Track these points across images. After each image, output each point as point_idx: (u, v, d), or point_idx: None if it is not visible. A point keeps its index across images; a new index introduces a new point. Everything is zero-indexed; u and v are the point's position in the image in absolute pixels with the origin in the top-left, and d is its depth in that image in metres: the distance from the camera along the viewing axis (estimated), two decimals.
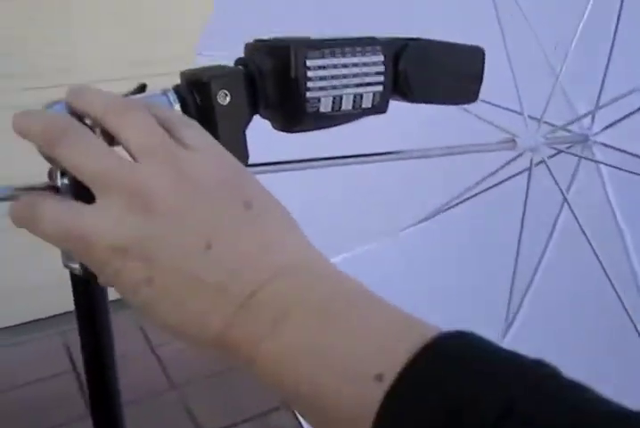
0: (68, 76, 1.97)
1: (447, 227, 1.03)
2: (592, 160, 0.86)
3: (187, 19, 2.10)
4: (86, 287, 0.54)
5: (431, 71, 0.62)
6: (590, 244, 0.90)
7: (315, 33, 0.60)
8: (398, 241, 1.06)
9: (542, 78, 0.87)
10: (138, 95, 0.52)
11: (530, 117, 0.86)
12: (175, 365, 1.96)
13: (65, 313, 2.06)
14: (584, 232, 0.90)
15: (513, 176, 0.92)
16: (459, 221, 1.02)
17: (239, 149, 0.56)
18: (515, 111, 0.86)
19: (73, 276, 0.53)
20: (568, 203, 0.91)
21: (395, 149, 0.78)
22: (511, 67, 0.86)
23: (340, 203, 1.10)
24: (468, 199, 0.98)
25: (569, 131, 0.90)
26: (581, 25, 0.81)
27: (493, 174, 0.92)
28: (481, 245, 1.02)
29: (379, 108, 0.60)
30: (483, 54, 0.66)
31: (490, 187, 0.95)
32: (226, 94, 0.53)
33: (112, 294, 0.47)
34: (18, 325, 2.16)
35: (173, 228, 0.36)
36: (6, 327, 2.14)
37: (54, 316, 2.15)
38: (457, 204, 1.00)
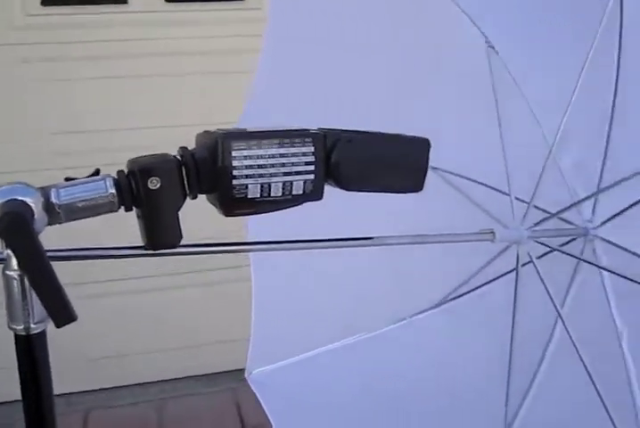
0: None
1: (432, 328, 1.05)
2: (589, 262, 0.87)
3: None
4: (29, 345, 0.64)
5: (367, 162, 0.69)
6: (586, 369, 0.86)
7: None
8: (385, 335, 1.09)
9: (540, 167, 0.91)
10: (81, 179, 0.64)
11: (520, 199, 0.89)
12: None
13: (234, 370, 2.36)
14: (580, 355, 0.86)
15: (500, 276, 0.94)
16: (442, 324, 1.04)
17: (171, 229, 0.66)
18: (503, 192, 0.89)
19: (17, 336, 0.64)
20: (561, 318, 0.90)
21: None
22: (503, 150, 0.91)
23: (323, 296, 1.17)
24: (454, 299, 1.00)
25: (570, 223, 0.92)
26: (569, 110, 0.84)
27: (479, 272, 0.95)
28: (466, 353, 1.03)
29: (312, 195, 0.68)
30: (428, 146, 0.72)
31: (476, 288, 0.97)
32: (157, 181, 0.63)
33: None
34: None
35: None
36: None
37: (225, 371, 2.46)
38: (440, 304, 1.02)
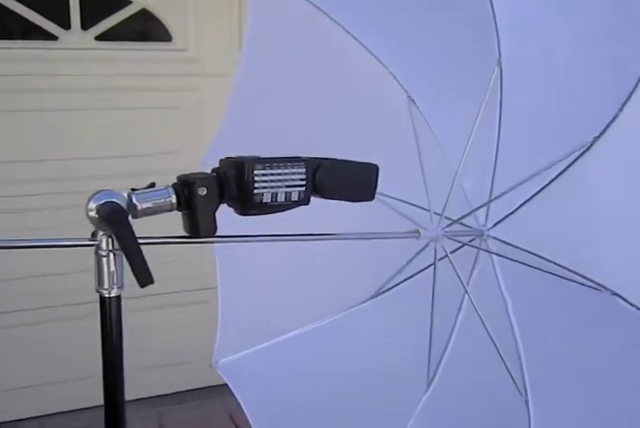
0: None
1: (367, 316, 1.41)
2: (486, 250, 1.25)
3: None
4: (110, 304, 0.93)
5: (338, 180, 1.04)
6: (488, 333, 1.24)
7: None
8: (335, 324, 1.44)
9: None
10: (148, 189, 0.94)
11: (436, 213, 1.26)
12: None
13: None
14: (483, 322, 1.25)
15: (422, 270, 1.32)
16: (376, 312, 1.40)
17: (210, 224, 0.97)
18: (424, 209, 1.26)
19: (101, 298, 0.92)
20: (468, 294, 1.28)
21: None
22: (423, 174, 1.28)
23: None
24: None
25: (469, 227, 1.29)
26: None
27: (406, 265, 1.31)
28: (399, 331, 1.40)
29: (303, 201, 1.02)
30: (377, 170, 1.07)
31: (405, 280, 1.34)
32: (204, 189, 0.95)
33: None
34: None
35: None
36: None
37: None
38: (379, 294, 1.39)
